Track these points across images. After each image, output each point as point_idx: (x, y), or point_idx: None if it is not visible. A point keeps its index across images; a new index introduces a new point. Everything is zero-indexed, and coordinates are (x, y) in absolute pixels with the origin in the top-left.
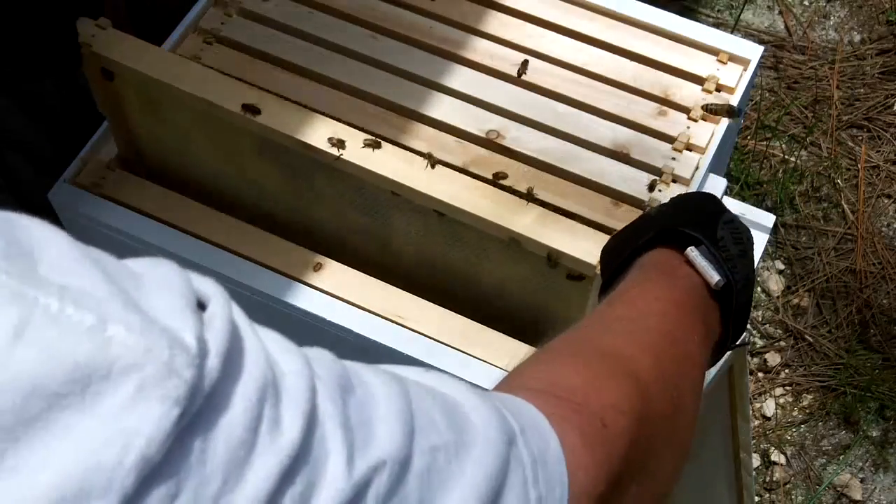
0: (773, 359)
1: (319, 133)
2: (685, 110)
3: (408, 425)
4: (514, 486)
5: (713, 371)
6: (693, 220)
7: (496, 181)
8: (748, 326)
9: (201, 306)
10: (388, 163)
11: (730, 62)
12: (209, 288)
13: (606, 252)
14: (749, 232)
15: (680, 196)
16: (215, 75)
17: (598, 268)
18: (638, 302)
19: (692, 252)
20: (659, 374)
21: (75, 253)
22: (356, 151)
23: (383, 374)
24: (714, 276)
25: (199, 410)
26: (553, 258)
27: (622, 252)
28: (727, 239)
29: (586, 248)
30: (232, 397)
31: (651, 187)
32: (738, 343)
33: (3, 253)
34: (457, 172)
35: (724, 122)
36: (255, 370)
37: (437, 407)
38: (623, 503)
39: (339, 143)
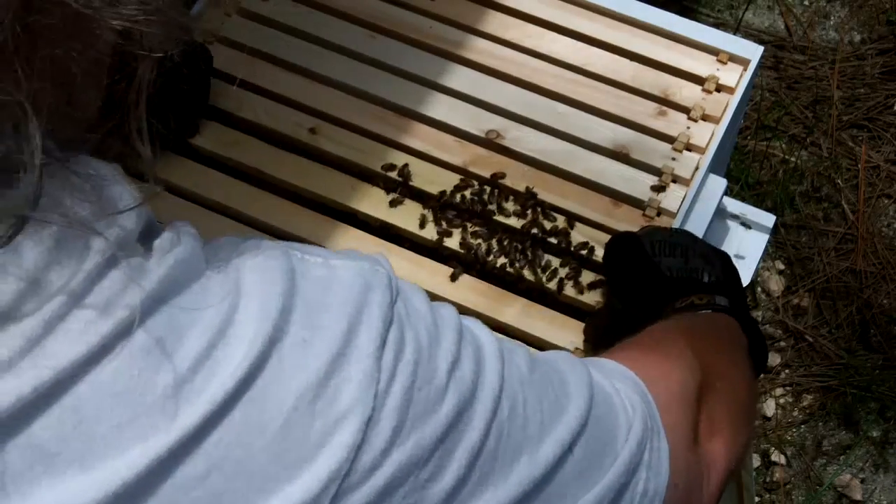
0: (774, 359)
1: None
2: (685, 110)
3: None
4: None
5: None
6: (632, 282)
7: (495, 181)
8: None
9: None
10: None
11: (730, 62)
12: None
13: None
14: (673, 232)
15: (610, 269)
16: None
17: None
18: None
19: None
20: (702, 336)
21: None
22: None
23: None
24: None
25: (395, 297)
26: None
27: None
28: (666, 263)
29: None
30: (408, 292)
31: (658, 189)
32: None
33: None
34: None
35: (724, 121)
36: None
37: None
38: (714, 397)
39: None
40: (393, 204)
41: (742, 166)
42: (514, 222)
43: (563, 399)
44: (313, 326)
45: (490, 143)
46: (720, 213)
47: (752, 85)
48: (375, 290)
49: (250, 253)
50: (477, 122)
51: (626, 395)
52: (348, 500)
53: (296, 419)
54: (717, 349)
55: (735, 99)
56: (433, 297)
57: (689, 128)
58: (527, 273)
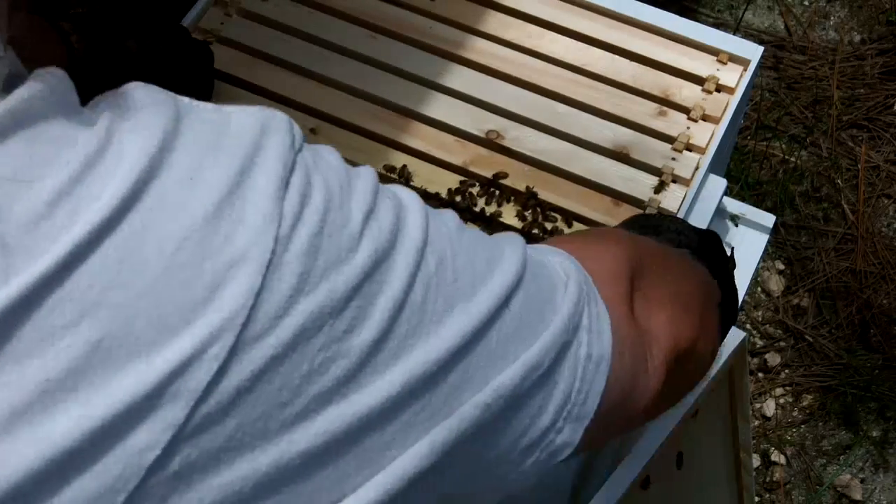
0: (773, 359)
1: None
2: (685, 110)
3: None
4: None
5: (714, 369)
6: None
7: (495, 181)
8: (748, 327)
9: None
10: None
11: (730, 62)
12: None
13: None
14: (657, 215)
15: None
16: None
17: None
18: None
19: None
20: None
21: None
22: None
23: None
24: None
25: (300, 145)
26: None
27: None
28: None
29: None
30: (319, 147)
31: (658, 189)
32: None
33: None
34: None
35: (724, 121)
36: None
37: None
38: (651, 279)
39: None
40: None
41: (742, 166)
42: (516, 222)
43: (497, 256)
44: (200, 166)
45: (490, 143)
46: (720, 213)
47: (752, 85)
48: (273, 134)
49: (131, 93)
50: (477, 122)
51: (558, 263)
52: (251, 351)
53: (182, 260)
54: (664, 256)
55: (735, 99)
56: None
57: (689, 128)
58: None
